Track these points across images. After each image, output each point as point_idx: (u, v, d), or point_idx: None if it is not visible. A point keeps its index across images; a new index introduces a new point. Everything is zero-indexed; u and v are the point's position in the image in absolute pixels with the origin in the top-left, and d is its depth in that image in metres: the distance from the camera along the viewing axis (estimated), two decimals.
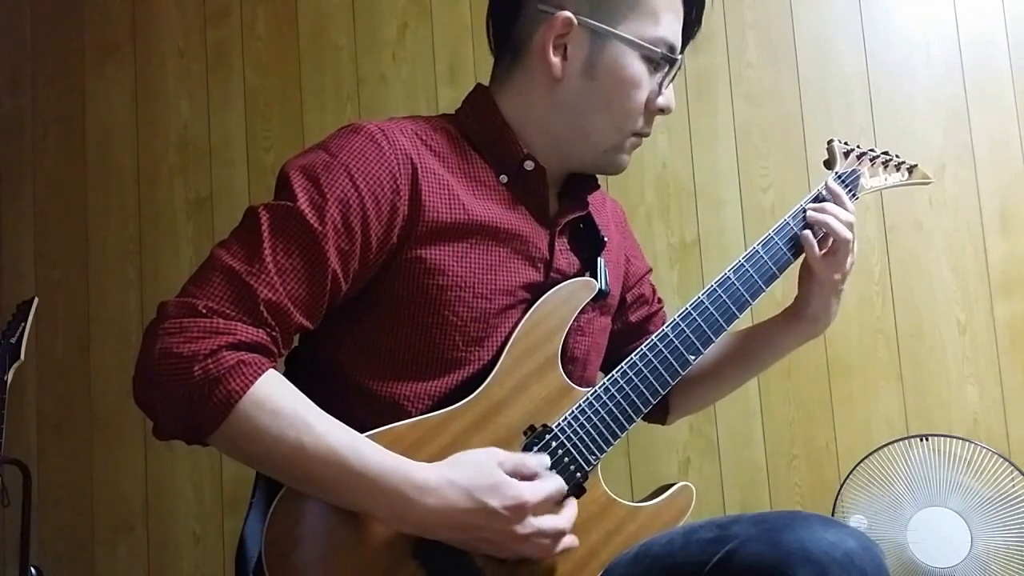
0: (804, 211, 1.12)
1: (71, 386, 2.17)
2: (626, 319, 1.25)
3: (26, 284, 2.22)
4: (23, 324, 1.94)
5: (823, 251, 1.10)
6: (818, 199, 1.14)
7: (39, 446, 2.17)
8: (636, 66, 1.00)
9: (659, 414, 1.30)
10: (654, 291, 1.31)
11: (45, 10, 2.31)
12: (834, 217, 1.09)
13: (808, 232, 1.10)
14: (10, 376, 1.89)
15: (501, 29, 1.06)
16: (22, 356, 1.92)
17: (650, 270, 1.32)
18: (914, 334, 1.95)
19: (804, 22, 2.05)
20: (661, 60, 1.01)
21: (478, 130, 1.04)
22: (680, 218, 2.04)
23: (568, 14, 0.98)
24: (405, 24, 2.17)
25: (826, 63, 2.03)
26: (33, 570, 1.87)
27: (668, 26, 1.01)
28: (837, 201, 1.13)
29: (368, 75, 2.17)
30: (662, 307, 1.32)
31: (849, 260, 1.12)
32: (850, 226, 1.10)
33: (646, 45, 1.00)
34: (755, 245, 1.10)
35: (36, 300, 1.98)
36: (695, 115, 2.06)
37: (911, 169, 1.29)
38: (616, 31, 0.99)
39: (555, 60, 1.00)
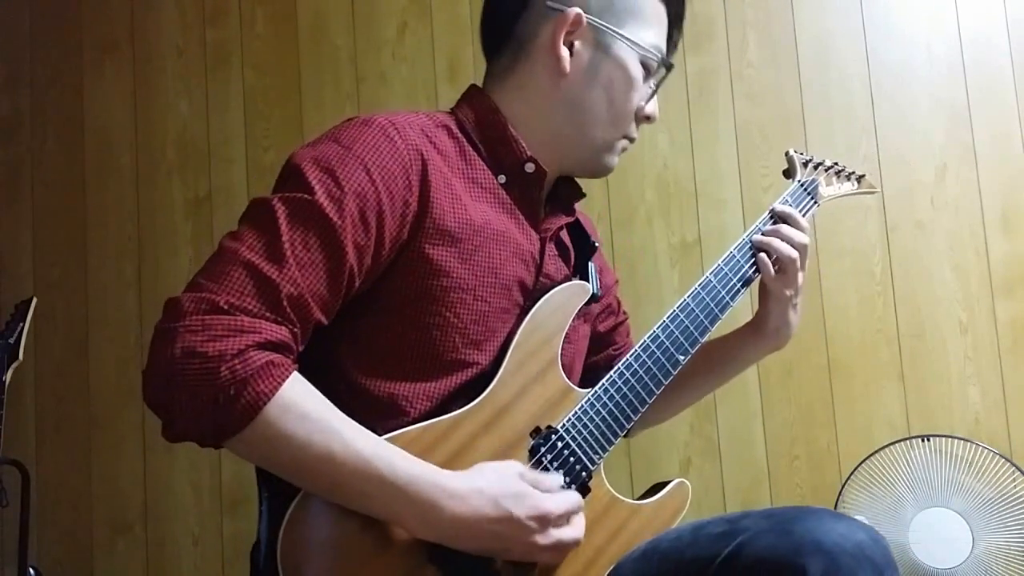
0: (759, 231, 1.17)
1: (70, 386, 2.16)
2: (594, 329, 1.26)
3: (24, 284, 2.21)
4: (21, 324, 1.93)
5: (776, 269, 1.15)
6: (773, 218, 1.19)
7: (38, 447, 2.16)
8: (636, 69, 1.04)
9: None
10: (619, 303, 1.34)
11: (44, 9, 2.31)
12: (777, 238, 1.15)
13: (763, 254, 1.15)
14: (8, 376, 1.89)
15: (501, 26, 1.07)
16: (20, 356, 1.91)
17: (616, 281, 1.34)
18: (916, 334, 1.95)
19: (805, 21, 2.04)
20: (657, 65, 1.06)
21: (478, 130, 1.04)
22: (681, 218, 2.03)
23: (580, 11, 1.02)
24: (405, 23, 2.16)
25: (827, 62, 2.03)
26: (32, 571, 1.86)
27: (659, 35, 1.07)
28: (789, 221, 1.17)
29: (368, 74, 2.16)
30: (627, 319, 1.35)
31: (800, 276, 1.17)
32: (801, 246, 1.15)
33: (648, 50, 1.04)
34: (719, 261, 1.15)
35: (35, 300, 1.97)
36: (696, 115, 2.05)
37: (859, 179, 1.36)
38: (622, 33, 1.03)
39: (565, 54, 1.02)
